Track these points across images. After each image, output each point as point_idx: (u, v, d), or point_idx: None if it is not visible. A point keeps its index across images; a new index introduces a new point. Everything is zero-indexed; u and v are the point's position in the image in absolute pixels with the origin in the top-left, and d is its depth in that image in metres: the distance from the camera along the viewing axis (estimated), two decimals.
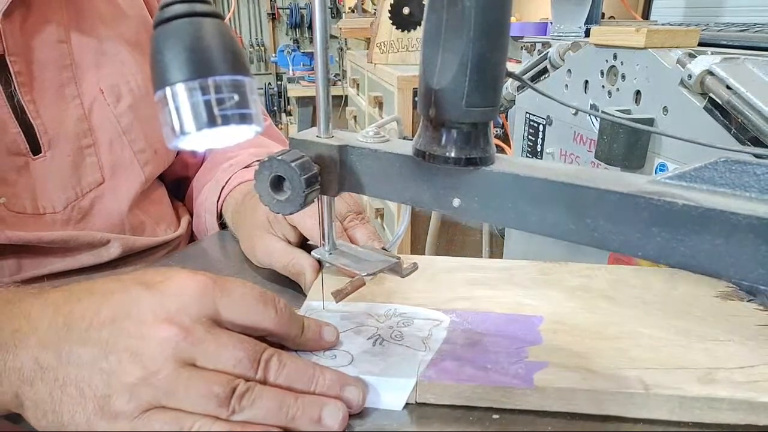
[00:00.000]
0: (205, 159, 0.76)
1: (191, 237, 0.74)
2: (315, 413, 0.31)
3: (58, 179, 0.56)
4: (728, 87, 0.71)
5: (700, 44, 0.87)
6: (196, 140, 0.26)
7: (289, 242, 0.49)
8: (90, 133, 0.58)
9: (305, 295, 0.45)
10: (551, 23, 1.31)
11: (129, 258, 0.61)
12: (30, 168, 0.55)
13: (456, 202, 0.30)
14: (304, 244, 0.49)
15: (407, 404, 0.34)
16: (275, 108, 5.30)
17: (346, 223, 0.49)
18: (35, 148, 0.55)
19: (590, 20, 1.17)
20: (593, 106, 0.99)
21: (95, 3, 0.61)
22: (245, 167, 0.68)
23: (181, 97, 0.25)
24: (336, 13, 5.02)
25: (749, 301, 0.43)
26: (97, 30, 0.60)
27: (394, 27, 1.73)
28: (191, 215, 0.75)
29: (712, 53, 0.79)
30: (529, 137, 1.23)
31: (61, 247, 0.56)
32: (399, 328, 0.39)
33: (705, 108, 0.74)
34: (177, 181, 0.77)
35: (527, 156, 1.24)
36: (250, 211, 0.54)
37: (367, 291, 0.44)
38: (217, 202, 0.66)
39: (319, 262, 0.44)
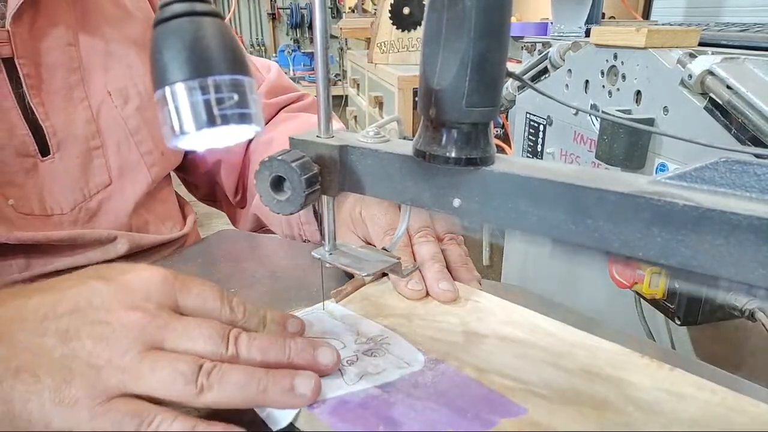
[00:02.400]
0: (249, 147, 0.73)
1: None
2: (287, 382, 0.31)
3: (66, 181, 0.57)
4: (728, 87, 0.71)
5: (701, 44, 0.87)
6: (195, 140, 0.26)
7: (365, 242, 0.50)
8: (98, 135, 0.59)
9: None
10: (551, 23, 1.31)
11: (136, 255, 0.62)
12: (38, 169, 0.55)
13: (456, 202, 0.30)
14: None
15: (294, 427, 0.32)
16: None
17: (417, 238, 0.47)
18: (44, 150, 0.55)
19: (590, 20, 1.17)
20: (594, 106, 0.99)
21: (102, 5, 0.61)
22: None
23: (180, 96, 0.25)
24: (336, 13, 5.02)
25: None
26: (104, 32, 0.60)
27: (395, 27, 1.73)
28: (227, 204, 0.74)
29: (713, 53, 0.79)
30: (530, 137, 1.23)
31: (70, 245, 0.57)
32: (363, 355, 0.37)
33: (705, 108, 0.74)
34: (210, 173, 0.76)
35: (527, 156, 1.24)
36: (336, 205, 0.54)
37: (403, 305, 0.42)
38: None
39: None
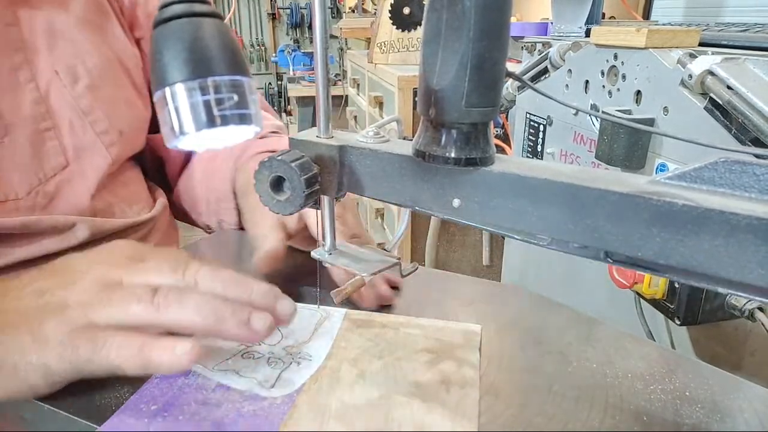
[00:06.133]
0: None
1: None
2: (244, 315, 0.32)
3: (18, 165, 0.54)
4: (729, 87, 0.71)
5: (701, 44, 0.87)
6: (195, 140, 0.26)
7: (285, 225, 0.50)
8: (48, 116, 0.56)
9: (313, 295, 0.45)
10: (552, 23, 1.31)
11: (99, 241, 0.57)
12: None
13: (456, 202, 0.30)
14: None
15: None
16: (275, 108, 5.31)
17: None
18: None
19: (591, 20, 1.17)
20: (594, 106, 0.99)
21: None
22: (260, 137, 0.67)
23: (180, 97, 0.25)
24: (336, 13, 5.03)
25: None
26: (45, 10, 0.58)
27: (395, 27, 1.73)
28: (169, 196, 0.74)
29: (713, 53, 0.79)
30: (530, 137, 1.23)
31: (24, 233, 0.54)
32: (263, 356, 0.36)
33: (705, 108, 0.74)
34: (160, 159, 0.75)
35: (527, 156, 1.24)
36: None
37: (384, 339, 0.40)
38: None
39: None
